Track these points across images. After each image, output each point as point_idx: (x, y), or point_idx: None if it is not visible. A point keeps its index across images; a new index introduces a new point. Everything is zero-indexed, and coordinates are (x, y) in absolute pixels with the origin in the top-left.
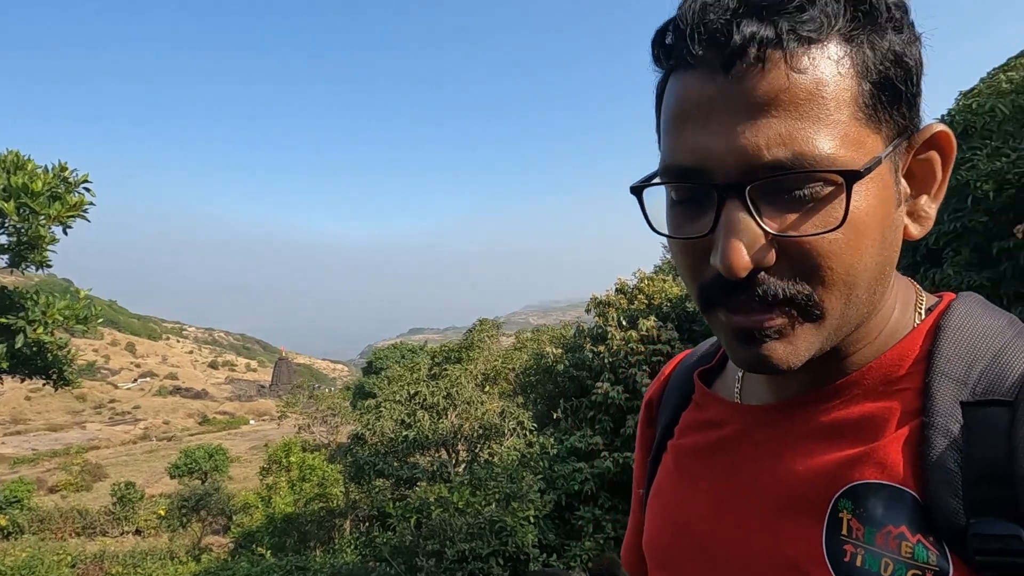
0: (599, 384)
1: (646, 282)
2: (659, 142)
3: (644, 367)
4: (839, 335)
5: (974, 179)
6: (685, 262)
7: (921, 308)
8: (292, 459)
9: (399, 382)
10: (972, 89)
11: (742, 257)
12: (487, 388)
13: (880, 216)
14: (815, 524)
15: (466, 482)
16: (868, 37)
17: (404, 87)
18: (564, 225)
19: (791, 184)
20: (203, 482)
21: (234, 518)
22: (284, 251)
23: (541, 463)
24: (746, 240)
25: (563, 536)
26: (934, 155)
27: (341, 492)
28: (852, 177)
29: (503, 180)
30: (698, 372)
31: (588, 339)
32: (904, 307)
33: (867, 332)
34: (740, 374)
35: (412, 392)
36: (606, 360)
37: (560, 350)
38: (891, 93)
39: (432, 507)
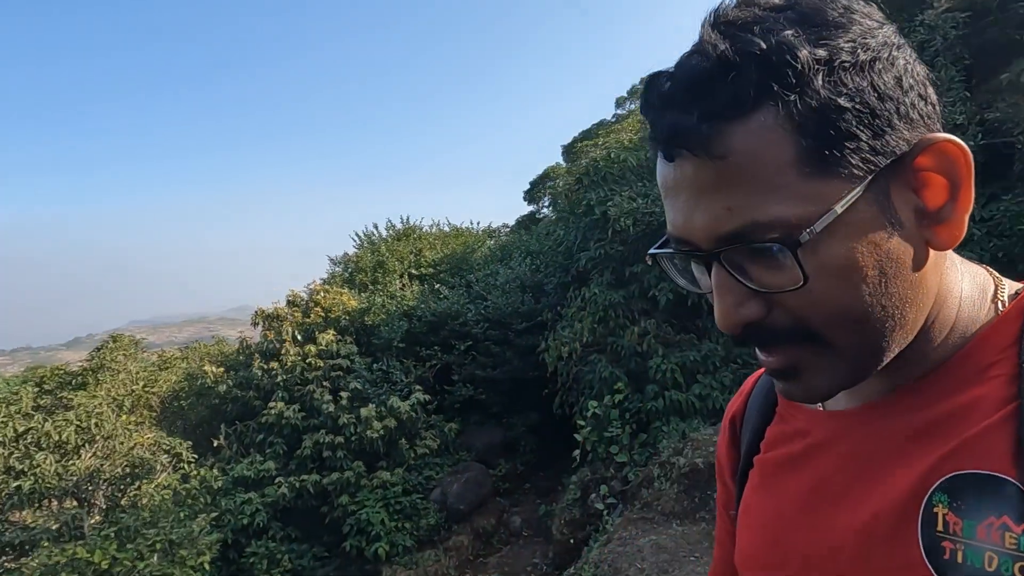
0: (271, 404)
1: (322, 294)
2: None
3: (324, 383)
4: (875, 359)
5: (616, 215)
6: None
7: (1003, 295)
8: None
9: None
10: (581, 142)
11: (730, 317)
12: (123, 417)
13: (866, 254)
14: (909, 524)
15: (112, 535)
16: (796, 96)
17: None
18: (174, 236)
19: (753, 250)
20: None
21: None
22: None
23: (203, 499)
24: (733, 299)
25: None
26: (939, 164)
27: None
28: (792, 245)
29: (90, 178)
30: None
31: (257, 356)
32: (979, 297)
33: (934, 332)
34: None
35: (22, 429)
36: (279, 378)
37: (221, 369)
38: (843, 137)
39: (61, 574)
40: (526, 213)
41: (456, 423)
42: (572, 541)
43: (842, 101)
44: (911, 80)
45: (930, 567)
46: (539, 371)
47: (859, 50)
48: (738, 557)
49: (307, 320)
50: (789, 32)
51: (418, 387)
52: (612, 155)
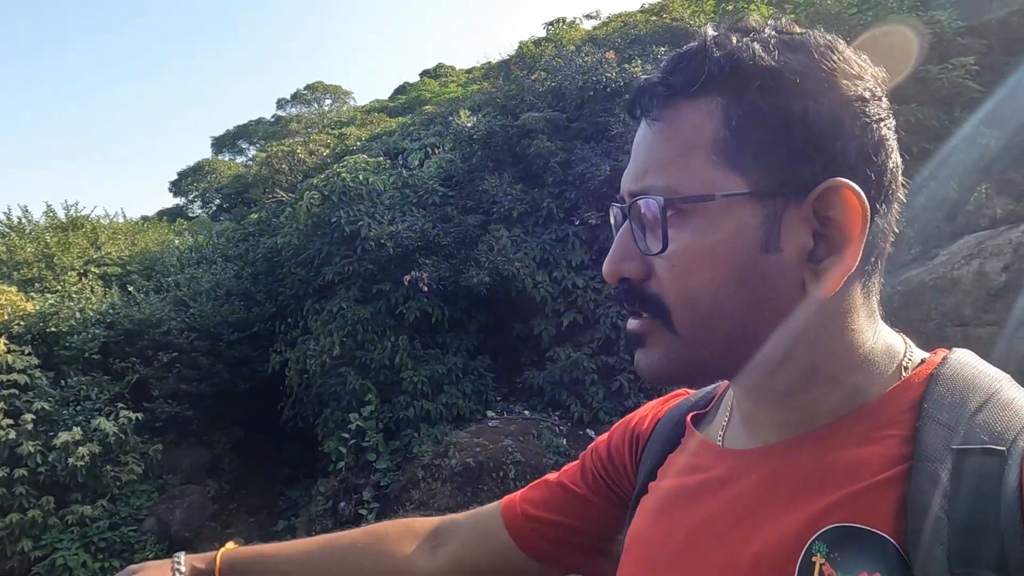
0: None
1: None
2: None
3: None
4: (716, 359)
5: (375, 235)
6: None
7: (911, 359)
8: None
9: None
10: (273, 146)
11: (610, 266)
12: None
13: (728, 255)
14: (787, 569)
15: None
16: (734, 92)
17: None
18: None
19: (641, 211)
20: None
21: None
22: None
23: None
24: (620, 252)
25: None
26: (836, 214)
27: None
28: (668, 204)
29: None
30: (691, 416)
31: None
32: (887, 360)
33: (833, 383)
34: (726, 419)
35: None
36: None
37: None
38: (757, 142)
39: None
40: (171, 206)
41: (158, 443)
42: None
43: (766, 111)
44: (858, 129)
45: None
46: (251, 384)
47: (803, 79)
48: None
49: None
50: (758, 45)
51: (121, 405)
52: (361, 178)
